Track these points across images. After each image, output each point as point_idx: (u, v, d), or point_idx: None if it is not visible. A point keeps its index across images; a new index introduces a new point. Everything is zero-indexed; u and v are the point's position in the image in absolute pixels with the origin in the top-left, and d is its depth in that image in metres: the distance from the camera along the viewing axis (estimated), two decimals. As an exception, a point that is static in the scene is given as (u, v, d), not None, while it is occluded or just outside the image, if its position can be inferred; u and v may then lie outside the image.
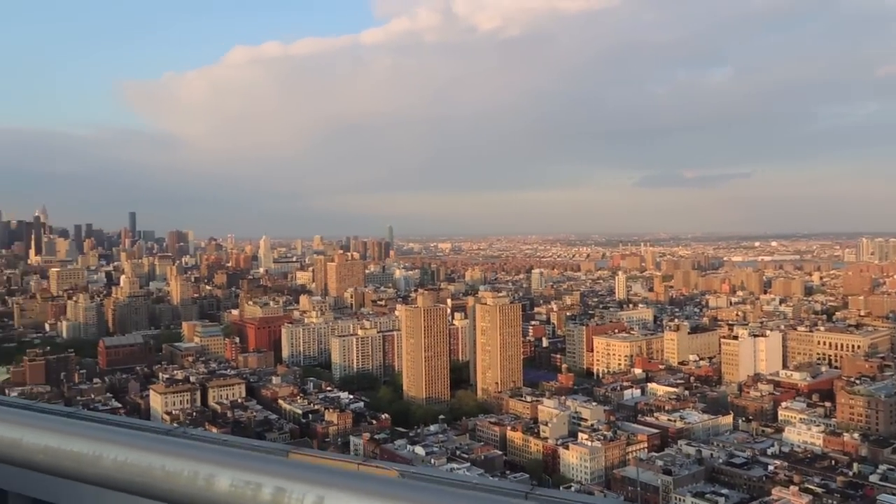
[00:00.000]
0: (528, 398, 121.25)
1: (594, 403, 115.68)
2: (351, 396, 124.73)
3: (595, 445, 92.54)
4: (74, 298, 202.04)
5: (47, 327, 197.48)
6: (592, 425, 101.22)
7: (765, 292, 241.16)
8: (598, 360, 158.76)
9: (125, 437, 2.30)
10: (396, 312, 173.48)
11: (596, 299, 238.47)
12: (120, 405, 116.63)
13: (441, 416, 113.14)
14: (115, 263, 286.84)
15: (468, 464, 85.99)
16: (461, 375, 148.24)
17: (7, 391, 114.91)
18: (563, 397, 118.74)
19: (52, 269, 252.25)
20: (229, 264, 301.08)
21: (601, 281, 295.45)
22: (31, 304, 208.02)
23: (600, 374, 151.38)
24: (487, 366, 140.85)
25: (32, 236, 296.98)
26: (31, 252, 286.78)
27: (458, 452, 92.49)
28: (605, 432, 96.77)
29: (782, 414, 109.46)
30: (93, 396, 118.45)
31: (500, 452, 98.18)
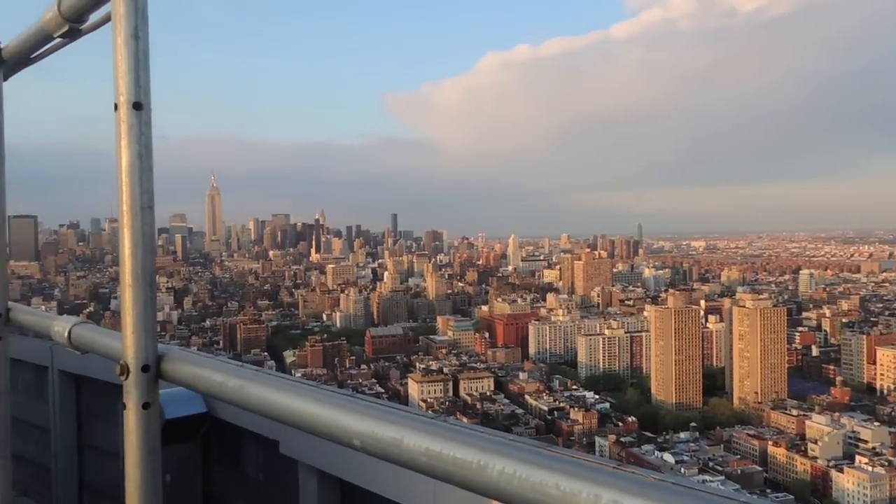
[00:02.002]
0: (794, 412, 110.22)
1: (876, 423, 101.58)
2: (596, 396, 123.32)
3: (878, 472, 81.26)
4: (346, 292, 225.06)
5: (324, 317, 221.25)
6: (874, 448, 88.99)
7: None
8: (882, 375, 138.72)
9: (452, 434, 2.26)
10: (645, 313, 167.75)
11: (881, 305, 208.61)
12: (382, 390, 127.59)
13: (692, 424, 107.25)
14: (380, 261, 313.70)
15: (722, 477, 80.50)
16: (715, 382, 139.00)
17: (293, 371, 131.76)
18: (837, 414, 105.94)
19: (329, 266, 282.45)
20: (480, 262, 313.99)
21: (887, 284, 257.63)
22: (312, 296, 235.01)
23: (885, 391, 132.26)
24: (745, 374, 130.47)
25: (313, 236, 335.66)
26: (313, 250, 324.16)
27: (710, 464, 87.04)
28: (891, 457, 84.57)
29: None
30: (360, 381, 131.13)
31: (759, 468, 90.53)
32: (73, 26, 1.78)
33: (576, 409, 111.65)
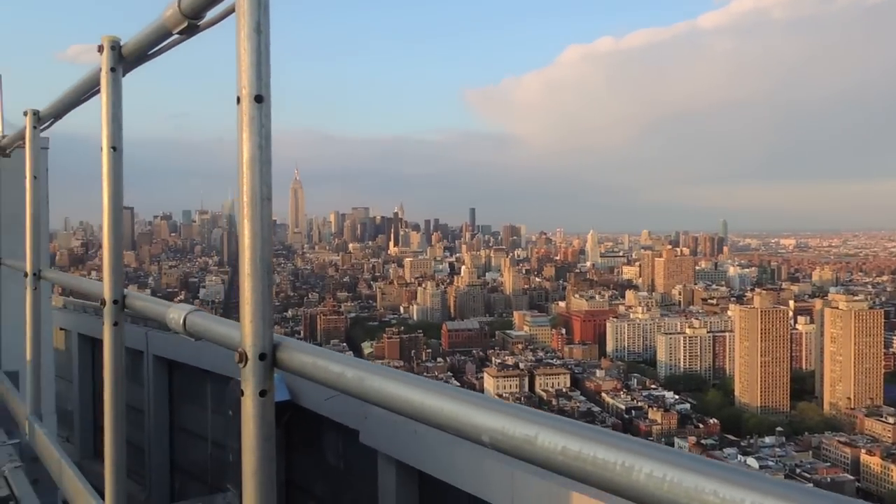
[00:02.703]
0: (891, 419, 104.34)
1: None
2: (676, 396, 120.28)
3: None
4: (423, 285, 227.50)
5: (402, 310, 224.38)
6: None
7: None
8: None
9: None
10: (729, 312, 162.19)
11: None
12: (458, 384, 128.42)
13: (778, 429, 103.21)
14: (457, 255, 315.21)
15: (810, 485, 77.04)
16: (804, 386, 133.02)
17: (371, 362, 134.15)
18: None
19: (407, 259, 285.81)
20: (557, 257, 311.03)
21: None
22: (390, 288, 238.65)
23: None
24: (837, 378, 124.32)
25: (392, 230, 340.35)
26: (391, 244, 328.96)
27: (798, 471, 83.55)
28: None
29: None
30: (437, 374, 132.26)
31: (851, 477, 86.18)
32: (191, 23, 1.85)
33: (654, 408, 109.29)
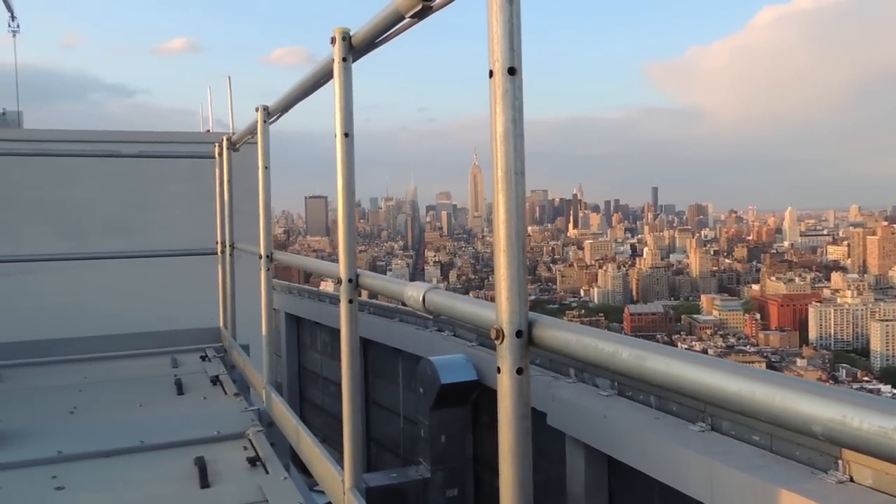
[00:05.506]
0: None
1: None
2: (895, 390, 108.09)
3: None
4: (604, 268, 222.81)
5: (582, 292, 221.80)
6: None
7: None
8: None
9: None
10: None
11: None
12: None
13: None
14: (639, 236, 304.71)
15: None
16: None
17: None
18: None
19: (586, 241, 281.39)
20: (750, 237, 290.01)
21: None
22: (570, 271, 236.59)
23: None
24: None
25: (571, 212, 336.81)
26: (570, 226, 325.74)
27: None
28: None
29: None
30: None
31: None
32: (425, 4, 1.87)
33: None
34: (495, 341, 1.42)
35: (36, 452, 3.56)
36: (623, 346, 1.23)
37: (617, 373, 1.31)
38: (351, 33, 2.46)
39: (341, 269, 2.58)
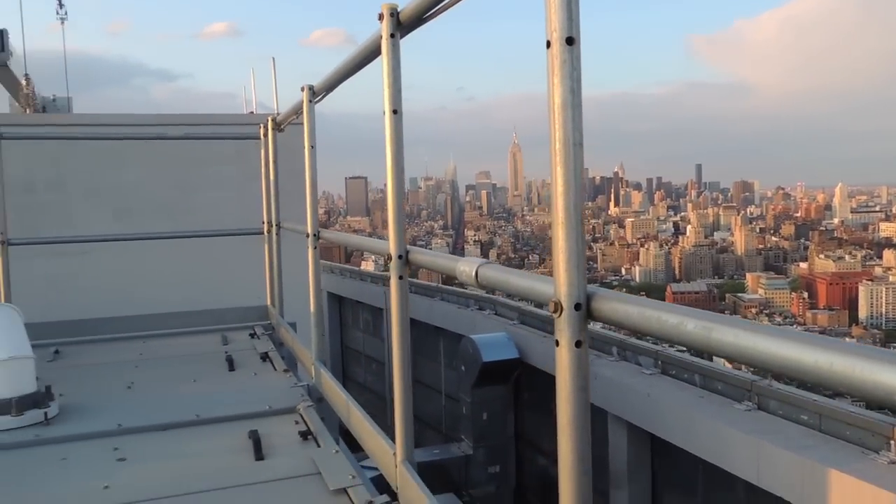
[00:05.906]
0: None
1: None
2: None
3: None
4: (646, 246, 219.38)
5: (623, 271, 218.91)
6: None
7: None
8: None
9: None
10: None
11: None
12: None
13: None
14: (682, 214, 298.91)
15: None
16: None
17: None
18: None
19: (628, 220, 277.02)
20: (797, 214, 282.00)
21: None
22: (611, 250, 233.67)
23: None
24: None
25: (612, 190, 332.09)
26: (611, 204, 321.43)
27: None
28: None
29: None
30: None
31: None
32: None
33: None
34: (553, 314, 1.39)
35: (97, 425, 3.71)
36: (688, 317, 1.17)
37: (683, 345, 1.27)
38: (399, 10, 2.46)
39: (391, 244, 2.60)
